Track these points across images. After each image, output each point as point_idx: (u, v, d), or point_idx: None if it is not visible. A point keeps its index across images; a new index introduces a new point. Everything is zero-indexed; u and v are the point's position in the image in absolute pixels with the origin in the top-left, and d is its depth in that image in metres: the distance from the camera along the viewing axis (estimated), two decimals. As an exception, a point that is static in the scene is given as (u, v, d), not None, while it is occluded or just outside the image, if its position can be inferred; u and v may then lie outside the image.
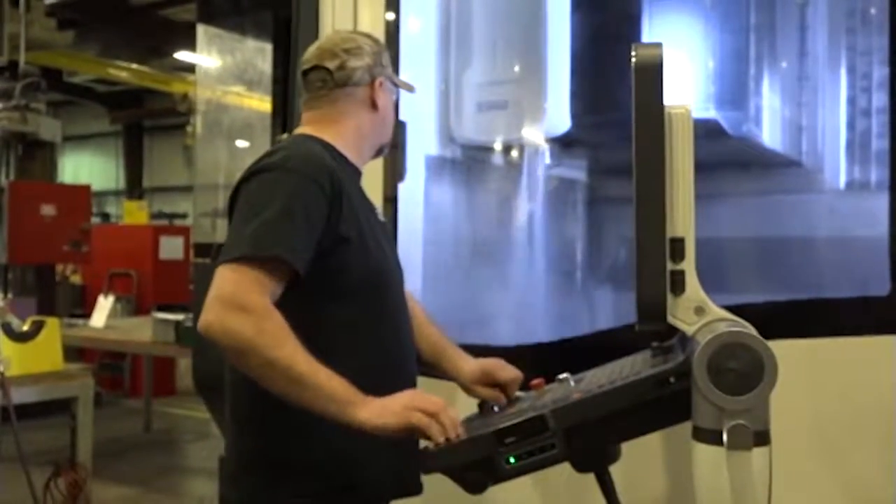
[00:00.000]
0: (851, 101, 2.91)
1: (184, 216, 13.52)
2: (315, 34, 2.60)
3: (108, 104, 16.37)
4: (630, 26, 2.79)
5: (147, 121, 17.86)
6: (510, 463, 1.54)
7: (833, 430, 2.03)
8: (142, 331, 6.11)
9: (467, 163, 3.21)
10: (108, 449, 6.14)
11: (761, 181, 2.94)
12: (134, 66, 12.24)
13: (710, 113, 2.77)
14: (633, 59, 1.52)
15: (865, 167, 2.86)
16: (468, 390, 1.92)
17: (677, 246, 1.52)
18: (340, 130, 1.86)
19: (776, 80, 2.95)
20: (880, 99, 2.77)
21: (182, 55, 10.42)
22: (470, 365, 1.94)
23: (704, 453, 1.44)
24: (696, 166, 1.54)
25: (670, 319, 1.54)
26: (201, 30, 3.89)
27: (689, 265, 1.53)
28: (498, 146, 3.20)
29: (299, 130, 1.89)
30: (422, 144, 2.99)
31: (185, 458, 7.01)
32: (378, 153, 1.99)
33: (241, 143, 3.97)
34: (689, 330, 1.54)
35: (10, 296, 7.29)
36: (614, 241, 3.18)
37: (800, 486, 1.88)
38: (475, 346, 2.10)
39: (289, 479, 1.69)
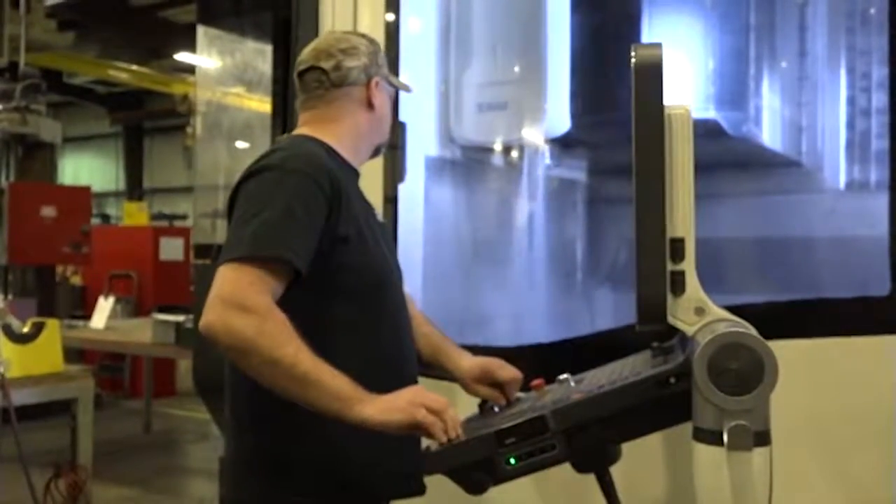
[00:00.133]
0: (851, 101, 2.90)
1: (184, 217, 13.51)
2: (315, 35, 2.60)
3: (109, 105, 16.36)
4: (630, 27, 2.79)
5: (147, 122, 17.87)
6: (510, 464, 1.54)
7: (833, 431, 2.03)
8: (142, 332, 6.11)
9: (467, 163, 3.21)
10: (108, 450, 6.14)
11: (761, 181, 2.94)
12: (134, 67, 12.24)
13: (710, 113, 2.77)
14: (633, 60, 1.52)
15: (865, 167, 2.86)
16: (467, 388, 1.92)
17: (677, 246, 1.52)
18: (337, 130, 1.86)
19: (776, 80, 2.95)
20: (880, 99, 2.77)
21: (182, 56, 10.42)
22: (469, 362, 1.94)
23: (705, 454, 1.44)
24: (696, 166, 1.54)
25: (670, 320, 1.54)
26: (201, 31, 3.89)
27: (689, 265, 1.53)
28: (498, 147, 3.20)
29: (296, 131, 1.89)
30: (422, 145, 2.99)
31: (185, 458, 7.01)
32: (375, 153, 1.99)
33: (241, 144, 3.97)
34: (689, 330, 1.54)
35: (10, 297, 7.30)
36: (614, 241, 3.18)
37: (800, 487, 1.88)
38: (475, 346, 2.10)
39: (290, 480, 1.69)
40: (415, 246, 2.90)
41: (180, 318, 5.48)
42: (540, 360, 2.23)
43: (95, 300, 7.07)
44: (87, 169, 19.22)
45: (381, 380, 1.58)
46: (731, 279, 2.57)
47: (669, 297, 1.53)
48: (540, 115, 3.08)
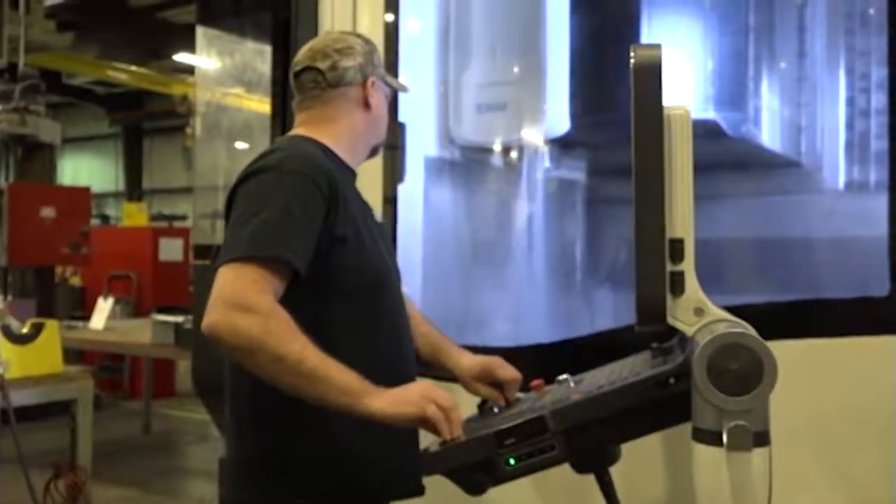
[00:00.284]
0: (850, 102, 2.91)
1: (183, 218, 13.51)
2: (314, 36, 2.59)
3: (108, 106, 16.36)
4: (629, 27, 2.79)
5: (146, 122, 17.86)
6: (510, 464, 1.54)
7: (833, 431, 2.03)
8: (141, 333, 6.11)
9: (467, 164, 3.22)
10: (108, 451, 6.14)
11: (760, 182, 2.94)
12: (133, 67, 12.24)
13: (710, 114, 2.77)
14: (632, 61, 1.52)
15: (864, 167, 2.86)
16: (467, 386, 1.92)
17: (677, 247, 1.52)
18: (334, 131, 1.86)
19: (775, 80, 2.96)
20: (879, 99, 2.77)
21: (181, 57, 10.42)
22: (470, 360, 1.94)
23: (704, 454, 1.44)
24: (696, 167, 1.54)
25: (670, 320, 1.54)
26: (201, 31, 3.89)
27: (688, 266, 1.53)
28: (497, 147, 3.20)
29: (293, 132, 1.89)
30: (421, 146, 2.99)
31: (185, 459, 7.01)
32: (373, 153, 1.98)
33: (241, 145, 3.97)
34: (688, 331, 1.54)
35: (9, 298, 7.30)
36: (614, 242, 3.18)
37: (799, 487, 1.88)
38: (474, 346, 2.10)
39: (290, 481, 1.69)
40: (414, 246, 2.91)
41: (179, 318, 5.48)
42: (539, 361, 2.23)
43: (95, 301, 7.06)
44: (86, 170, 19.22)
45: (380, 380, 1.58)
46: (731, 280, 2.57)
47: (669, 297, 1.53)
48: (539, 116, 3.08)
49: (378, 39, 2.58)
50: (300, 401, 1.58)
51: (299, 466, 1.70)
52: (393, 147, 2.72)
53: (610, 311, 3.03)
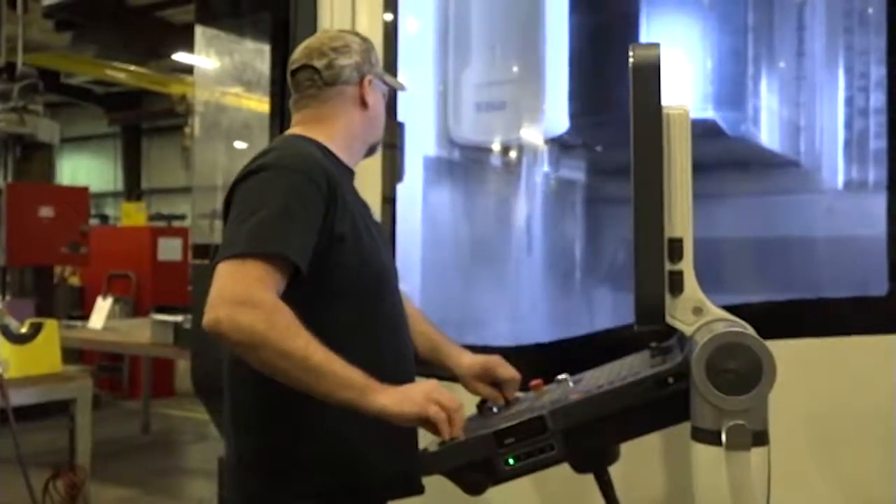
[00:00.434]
0: (849, 101, 2.91)
1: (182, 217, 13.49)
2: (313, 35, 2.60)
3: (106, 105, 16.35)
4: (628, 26, 2.79)
5: (145, 122, 17.84)
6: (509, 464, 1.54)
7: (832, 430, 2.03)
8: (140, 332, 6.11)
9: (465, 163, 3.21)
10: (107, 450, 6.13)
11: (759, 181, 2.95)
12: (132, 67, 12.22)
13: (709, 113, 2.78)
14: (631, 60, 1.52)
15: (863, 167, 2.86)
16: (468, 385, 1.92)
17: (675, 246, 1.52)
18: (331, 130, 1.85)
19: (774, 80, 2.96)
20: (878, 99, 2.78)
21: (180, 56, 10.42)
22: (470, 360, 1.94)
23: (703, 453, 1.44)
24: (694, 166, 1.54)
25: (669, 320, 1.54)
26: (199, 31, 3.88)
27: (687, 265, 1.53)
28: (496, 147, 3.20)
29: (289, 131, 1.89)
30: (420, 145, 2.99)
31: (184, 459, 7.01)
32: (370, 152, 1.98)
33: (240, 145, 3.96)
34: (687, 330, 1.54)
35: (8, 297, 7.30)
36: (612, 241, 3.18)
37: (799, 486, 1.88)
38: (473, 346, 2.10)
39: (290, 480, 1.69)
40: (413, 246, 2.90)
41: (178, 318, 5.47)
42: (538, 360, 2.23)
43: (94, 300, 7.06)
44: (85, 169, 19.20)
45: (379, 379, 1.58)
46: (730, 279, 2.57)
47: (668, 296, 1.53)
48: (538, 115, 3.08)
49: (377, 39, 2.58)
50: (300, 401, 1.58)
51: (299, 466, 1.69)
52: (392, 146, 2.72)
53: (609, 310, 3.03)
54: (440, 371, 1.98)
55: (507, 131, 3.11)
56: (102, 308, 6.69)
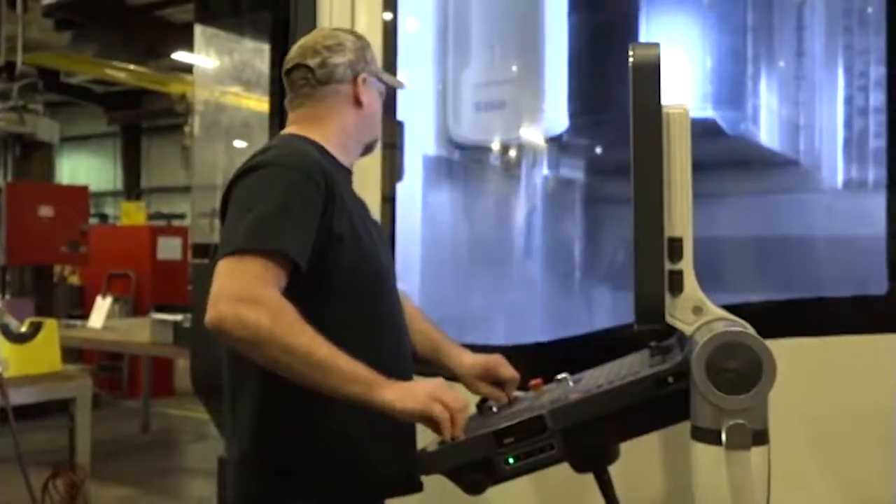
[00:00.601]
0: (849, 101, 2.90)
1: (182, 217, 13.49)
2: (313, 34, 2.60)
3: (106, 105, 16.35)
4: (627, 26, 2.79)
5: (145, 121, 17.84)
6: (509, 463, 1.54)
7: (832, 430, 2.03)
8: (140, 331, 6.11)
9: (465, 163, 3.21)
10: (107, 450, 6.13)
11: (759, 180, 2.94)
12: (131, 66, 12.22)
13: (708, 112, 2.77)
14: (631, 59, 1.52)
15: (863, 166, 2.86)
16: (470, 385, 1.92)
17: (675, 246, 1.52)
18: (326, 128, 1.85)
19: (773, 79, 2.95)
20: (877, 98, 2.77)
21: (180, 55, 10.41)
22: (472, 360, 1.94)
23: (703, 453, 1.44)
24: (694, 166, 1.54)
25: (669, 319, 1.54)
26: (199, 30, 3.88)
27: (687, 265, 1.53)
28: (496, 146, 3.19)
29: (285, 131, 1.89)
30: (420, 144, 2.98)
31: (184, 458, 7.01)
32: (366, 151, 1.97)
33: (239, 144, 3.96)
34: (687, 329, 1.54)
35: (8, 297, 7.30)
36: (612, 241, 3.18)
37: (798, 486, 1.88)
38: (473, 345, 2.10)
39: (291, 479, 1.69)
40: (412, 245, 2.90)
41: (178, 317, 5.48)
42: (538, 360, 2.23)
43: (93, 300, 7.06)
44: (84, 168, 19.19)
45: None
46: (730, 278, 2.57)
47: (668, 296, 1.53)
48: (538, 115, 3.08)
49: (376, 38, 2.58)
50: (300, 400, 1.58)
51: (300, 465, 1.70)
52: (391, 146, 2.72)
53: (608, 309, 3.03)
54: (440, 370, 1.98)
55: (507, 131, 3.11)
56: (102, 307, 6.69)
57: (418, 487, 1.80)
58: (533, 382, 1.77)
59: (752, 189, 2.93)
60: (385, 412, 1.51)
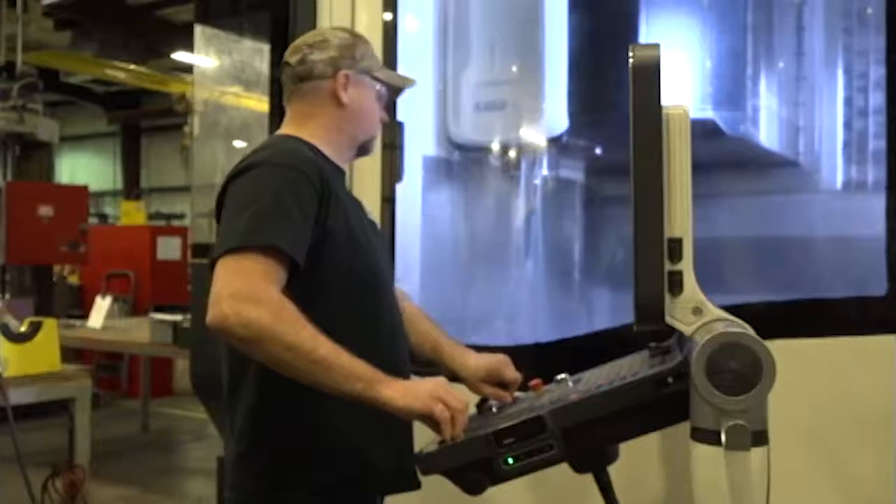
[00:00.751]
0: (848, 101, 2.91)
1: (181, 216, 13.50)
2: (313, 34, 2.60)
3: (106, 104, 16.35)
4: (627, 27, 2.79)
5: (144, 121, 17.83)
6: (509, 464, 1.54)
7: (831, 430, 2.03)
8: (139, 331, 6.11)
9: (465, 163, 3.21)
10: (106, 449, 6.14)
11: (759, 181, 2.95)
12: (131, 66, 12.20)
13: (708, 113, 2.77)
14: (631, 60, 1.52)
15: (862, 167, 2.86)
16: (473, 387, 1.91)
17: (675, 246, 1.52)
18: (312, 127, 1.84)
19: (773, 80, 2.96)
20: (877, 99, 2.78)
21: (179, 55, 10.41)
22: (476, 361, 1.93)
23: (703, 453, 1.44)
24: (694, 166, 1.54)
25: (668, 320, 1.54)
26: (199, 30, 3.88)
27: (686, 265, 1.53)
28: (496, 146, 3.19)
29: (279, 131, 1.89)
30: (420, 145, 2.98)
31: (183, 458, 7.01)
32: (363, 150, 1.94)
33: (239, 144, 3.96)
34: (687, 330, 1.54)
35: (7, 296, 7.30)
36: (612, 241, 3.18)
37: (798, 486, 1.88)
38: (473, 345, 2.10)
39: (291, 478, 1.69)
40: (412, 245, 2.90)
41: (178, 317, 5.48)
42: (538, 360, 2.23)
43: (93, 299, 7.06)
44: (84, 168, 19.18)
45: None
46: (729, 279, 2.57)
47: (667, 296, 1.53)
48: (538, 115, 3.08)
49: (376, 38, 2.58)
50: (300, 399, 1.58)
51: (299, 464, 1.70)
52: (391, 146, 2.72)
53: (608, 310, 3.03)
54: (441, 371, 1.98)
55: (507, 131, 3.11)
56: (101, 307, 6.68)
57: (416, 485, 1.80)
58: (533, 383, 1.78)
59: (752, 190, 2.93)
60: (386, 410, 1.51)
